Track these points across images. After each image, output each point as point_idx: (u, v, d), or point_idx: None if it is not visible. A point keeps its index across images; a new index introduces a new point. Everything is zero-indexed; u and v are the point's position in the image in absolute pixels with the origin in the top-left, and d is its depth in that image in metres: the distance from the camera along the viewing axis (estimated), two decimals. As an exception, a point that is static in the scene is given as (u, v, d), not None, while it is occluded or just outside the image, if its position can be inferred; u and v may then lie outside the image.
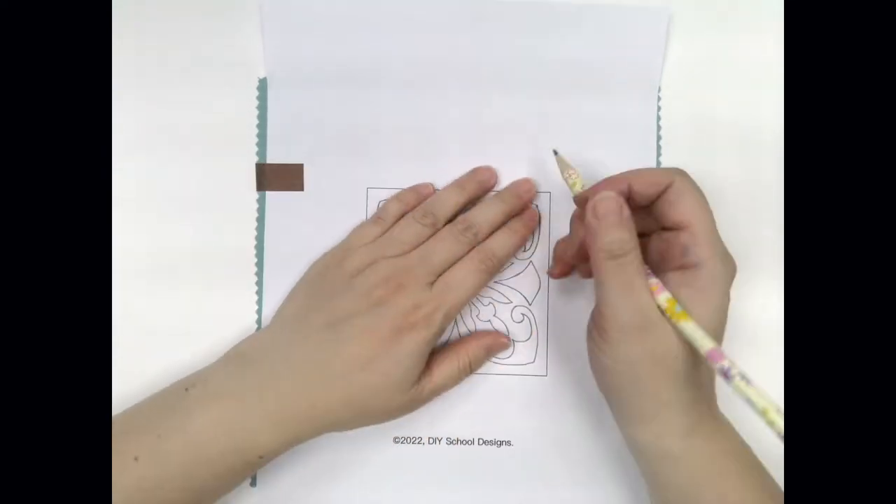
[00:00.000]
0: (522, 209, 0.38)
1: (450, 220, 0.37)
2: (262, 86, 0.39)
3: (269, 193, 0.39)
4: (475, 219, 0.36)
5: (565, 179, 0.36)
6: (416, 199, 0.38)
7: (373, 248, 0.36)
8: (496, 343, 0.38)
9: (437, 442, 0.39)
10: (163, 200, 0.39)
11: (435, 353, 0.36)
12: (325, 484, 0.39)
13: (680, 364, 0.30)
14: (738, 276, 0.39)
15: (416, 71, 0.39)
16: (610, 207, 0.30)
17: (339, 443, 0.39)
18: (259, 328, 0.39)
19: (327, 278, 0.36)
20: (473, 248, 0.35)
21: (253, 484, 0.39)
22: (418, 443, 0.39)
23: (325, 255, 0.38)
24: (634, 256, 0.30)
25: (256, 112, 0.39)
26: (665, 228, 0.32)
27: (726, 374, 0.28)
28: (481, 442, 0.39)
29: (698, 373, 0.31)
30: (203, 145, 0.39)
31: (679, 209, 0.30)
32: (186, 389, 0.33)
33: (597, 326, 0.31)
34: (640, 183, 0.31)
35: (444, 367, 0.36)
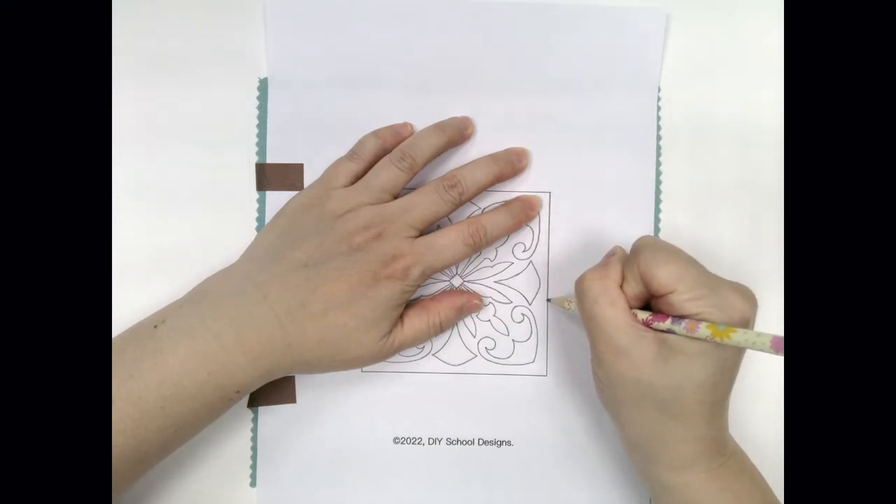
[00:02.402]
0: (512, 175, 0.38)
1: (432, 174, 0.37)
2: (263, 86, 0.39)
3: (269, 193, 0.39)
4: (463, 178, 0.36)
5: (568, 308, 0.36)
6: (393, 137, 0.38)
7: (353, 192, 0.35)
8: (468, 304, 0.38)
9: (437, 442, 0.39)
10: (163, 200, 0.39)
11: (407, 307, 0.36)
12: (325, 484, 0.39)
13: (661, 395, 0.30)
14: (737, 274, 0.39)
15: (416, 71, 0.39)
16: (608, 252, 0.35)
17: (339, 442, 0.39)
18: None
19: (307, 217, 0.36)
20: (457, 206, 0.36)
21: (253, 484, 0.39)
22: (418, 443, 0.39)
23: (303, 193, 0.37)
24: (615, 281, 0.32)
25: (256, 112, 0.39)
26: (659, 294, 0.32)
27: None
28: (481, 442, 0.39)
29: (690, 404, 0.30)
30: (203, 145, 0.39)
31: (657, 280, 0.30)
32: (155, 327, 0.32)
33: (594, 357, 0.33)
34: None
35: (415, 322, 0.36)
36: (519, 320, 0.39)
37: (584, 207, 0.39)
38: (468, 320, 0.39)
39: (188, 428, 0.32)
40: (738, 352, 0.31)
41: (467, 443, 0.39)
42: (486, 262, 0.39)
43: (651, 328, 0.31)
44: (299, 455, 0.39)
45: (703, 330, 0.29)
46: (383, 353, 0.35)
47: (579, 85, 0.39)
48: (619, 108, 0.39)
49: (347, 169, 0.37)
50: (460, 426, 0.39)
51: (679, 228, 0.39)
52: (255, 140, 0.39)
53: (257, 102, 0.39)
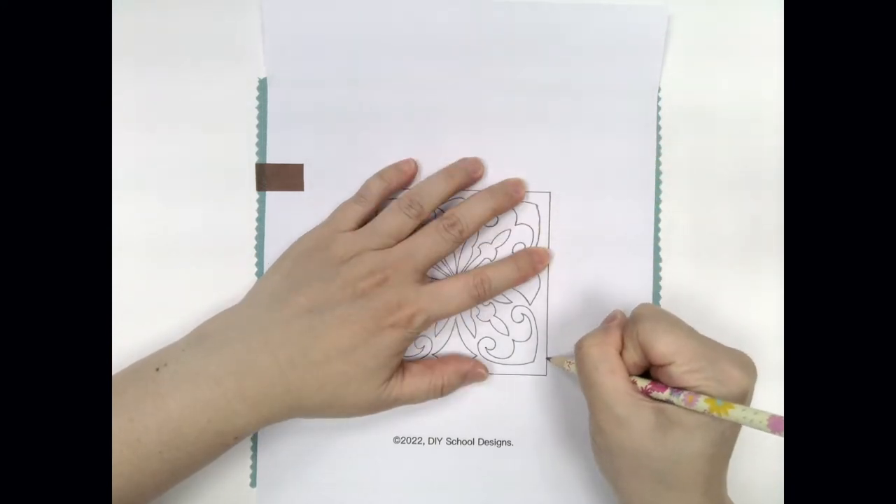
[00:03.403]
0: (510, 206, 0.38)
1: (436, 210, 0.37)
2: (262, 86, 0.39)
3: (269, 193, 0.39)
4: (462, 215, 0.36)
5: (568, 368, 0.36)
6: (398, 177, 0.38)
7: (359, 237, 0.36)
8: (473, 372, 0.38)
9: (437, 442, 0.39)
10: (163, 199, 0.39)
11: (413, 364, 0.36)
12: (324, 484, 0.39)
13: (657, 465, 0.30)
14: (737, 275, 0.39)
15: (416, 71, 0.39)
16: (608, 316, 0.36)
17: (339, 443, 0.39)
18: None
19: (312, 261, 0.36)
20: (459, 244, 0.36)
21: (253, 484, 0.39)
22: (418, 443, 0.39)
23: (309, 235, 0.38)
24: (615, 348, 0.32)
25: (256, 112, 0.39)
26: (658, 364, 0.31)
27: None
28: (481, 442, 0.39)
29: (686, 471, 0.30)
30: (203, 145, 0.39)
31: (655, 351, 0.30)
32: (157, 370, 0.32)
33: (593, 426, 0.32)
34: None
35: (417, 380, 0.36)
36: (519, 320, 0.39)
37: (584, 207, 0.39)
38: (468, 319, 0.39)
39: (184, 471, 0.32)
40: (737, 425, 0.30)
41: (467, 443, 0.39)
42: (487, 262, 0.39)
43: (650, 397, 0.31)
44: (299, 455, 0.39)
45: (702, 403, 0.29)
46: (380, 404, 0.35)
47: (579, 84, 0.39)
48: (619, 108, 0.39)
49: (354, 212, 0.37)
50: (460, 426, 0.39)
51: (679, 227, 0.39)
52: (255, 140, 0.39)
53: (257, 103, 0.39)
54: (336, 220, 0.37)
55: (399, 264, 0.34)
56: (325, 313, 0.33)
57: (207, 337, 0.34)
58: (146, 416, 0.31)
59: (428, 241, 0.35)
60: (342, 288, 0.34)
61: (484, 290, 0.35)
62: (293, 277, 0.35)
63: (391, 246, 0.35)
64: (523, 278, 0.37)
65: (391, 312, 0.33)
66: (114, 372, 0.34)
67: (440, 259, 0.36)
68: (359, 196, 0.38)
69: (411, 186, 0.38)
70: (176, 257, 0.39)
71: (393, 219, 0.36)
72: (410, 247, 0.35)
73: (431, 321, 0.35)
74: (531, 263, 0.37)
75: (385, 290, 0.34)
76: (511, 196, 0.37)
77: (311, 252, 0.36)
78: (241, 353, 0.33)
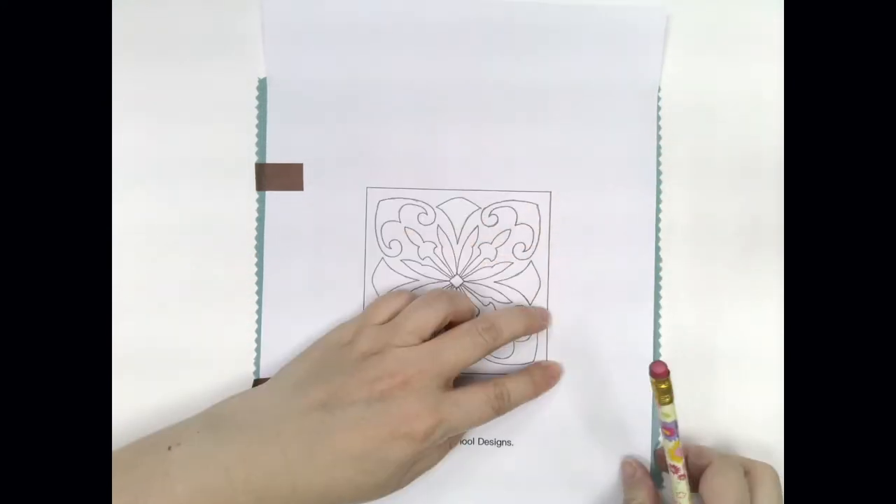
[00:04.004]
0: (538, 329, 0.38)
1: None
2: (262, 86, 0.39)
3: (268, 193, 0.39)
4: (499, 322, 0.35)
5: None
6: (465, 309, 0.37)
7: (383, 331, 0.34)
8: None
9: (437, 442, 0.39)
10: (163, 199, 0.39)
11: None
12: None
13: None
14: (738, 273, 0.39)
15: (416, 71, 0.39)
16: (625, 471, 0.38)
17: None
18: (258, 328, 0.39)
19: (339, 353, 0.35)
20: (489, 352, 0.35)
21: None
22: (418, 443, 0.39)
23: (343, 325, 0.37)
24: None
25: (256, 112, 0.39)
26: None
27: None
28: (481, 442, 0.39)
29: None
30: (202, 145, 0.39)
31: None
32: (169, 448, 0.31)
33: None
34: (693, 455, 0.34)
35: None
36: (519, 320, 0.39)
37: (584, 207, 0.39)
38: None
39: None
40: None
41: (467, 443, 0.39)
42: (486, 263, 0.39)
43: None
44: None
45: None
46: (389, 495, 0.34)
47: (579, 84, 0.39)
48: (619, 107, 0.39)
49: (388, 305, 0.36)
50: (460, 426, 0.39)
51: (680, 226, 0.39)
52: (255, 140, 0.39)
53: (257, 103, 0.39)
54: (369, 311, 0.37)
55: (423, 365, 0.32)
56: (338, 412, 0.32)
57: (224, 419, 0.33)
58: (152, 498, 0.30)
59: (457, 346, 0.33)
60: (359, 387, 0.32)
61: (503, 405, 0.34)
62: (318, 367, 0.35)
63: (415, 344, 0.34)
64: (538, 393, 0.37)
65: (407, 422, 0.31)
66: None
67: (467, 367, 0.34)
68: (418, 297, 0.36)
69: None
70: (175, 257, 0.39)
71: (416, 314, 0.34)
72: (437, 347, 0.33)
73: (449, 434, 0.33)
74: (545, 378, 0.37)
75: (405, 394, 0.32)
76: (540, 322, 0.38)
77: (341, 345, 0.35)
78: (253, 441, 0.32)
